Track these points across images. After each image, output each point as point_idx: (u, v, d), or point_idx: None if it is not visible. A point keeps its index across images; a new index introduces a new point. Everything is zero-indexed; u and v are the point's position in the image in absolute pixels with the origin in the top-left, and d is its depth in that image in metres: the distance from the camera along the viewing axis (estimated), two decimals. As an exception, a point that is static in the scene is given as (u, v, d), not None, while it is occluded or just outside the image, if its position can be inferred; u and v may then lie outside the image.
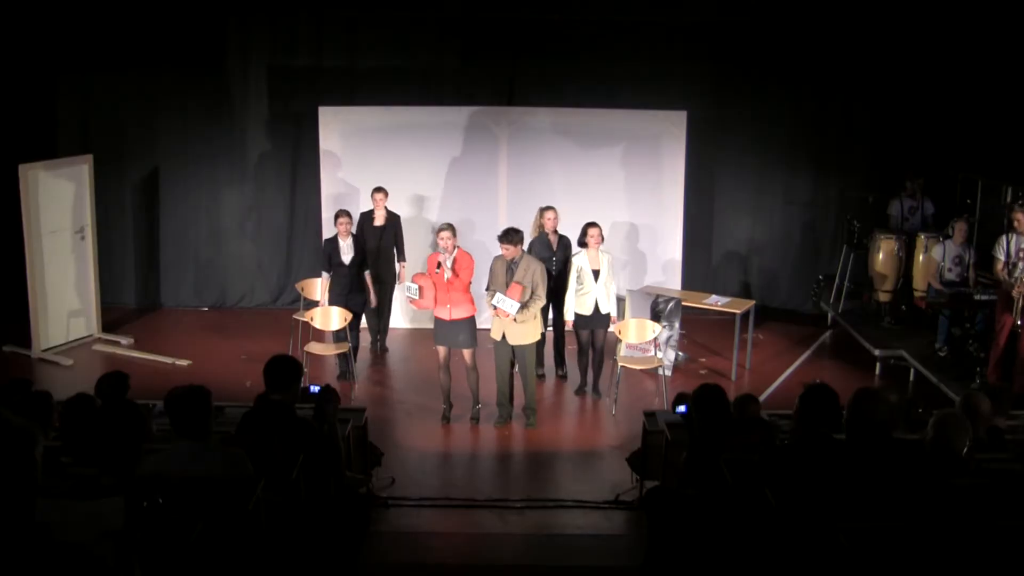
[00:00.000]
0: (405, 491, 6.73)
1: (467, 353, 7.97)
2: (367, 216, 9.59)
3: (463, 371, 8.08)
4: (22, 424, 2.41)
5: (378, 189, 9.51)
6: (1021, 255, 7.99)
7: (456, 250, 7.83)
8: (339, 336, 8.96)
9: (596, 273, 8.41)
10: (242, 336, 10.29)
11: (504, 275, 7.76)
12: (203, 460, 4.25)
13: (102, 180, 10.43)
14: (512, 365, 8.00)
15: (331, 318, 8.78)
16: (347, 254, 8.95)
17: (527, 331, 7.84)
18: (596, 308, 8.44)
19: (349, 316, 8.79)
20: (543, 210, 8.91)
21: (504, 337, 7.84)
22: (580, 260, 8.48)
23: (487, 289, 7.95)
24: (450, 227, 7.87)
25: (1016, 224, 8.10)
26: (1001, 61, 10.05)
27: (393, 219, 9.63)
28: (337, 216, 9.01)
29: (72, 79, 10.92)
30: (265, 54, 11.01)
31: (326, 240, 9.33)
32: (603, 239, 8.53)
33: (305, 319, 8.93)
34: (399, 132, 10.54)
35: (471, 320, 7.93)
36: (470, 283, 7.92)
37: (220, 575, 3.97)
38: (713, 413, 5.13)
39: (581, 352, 8.72)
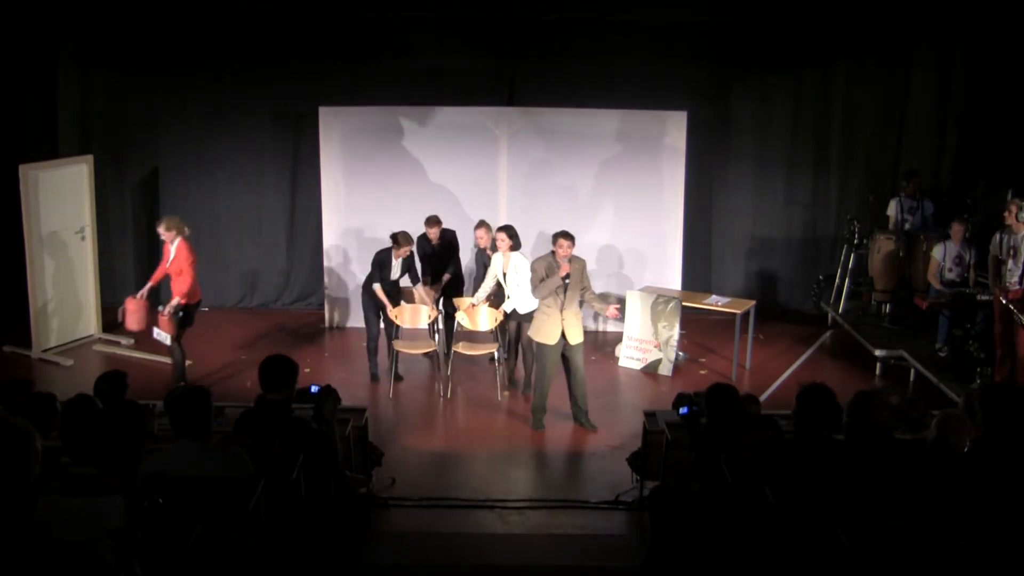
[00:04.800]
0: (405, 491, 6.73)
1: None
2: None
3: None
4: (18, 423, 2.40)
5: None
6: (1012, 252, 7.95)
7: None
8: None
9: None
10: (242, 336, 10.28)
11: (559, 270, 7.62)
12: (203, 460, 4.25)
13: (102, 180, 10.43)
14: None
15: (420, 316, 8.91)
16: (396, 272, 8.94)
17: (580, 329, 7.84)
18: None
19: (435, 314, 8.98)
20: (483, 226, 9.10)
21: (564, 336, 7.72)
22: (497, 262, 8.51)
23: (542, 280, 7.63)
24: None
25: (1006, 218, 8.04)
26: (1001, 59, 10.05)
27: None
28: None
29: (72, 78, 10.91)
30: (265, 54, 11.00)
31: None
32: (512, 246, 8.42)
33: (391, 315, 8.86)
34: (399, 132, 10.55)
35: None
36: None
37: (220, 575, 3.97)
38: (725, 411, 5.14)
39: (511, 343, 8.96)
